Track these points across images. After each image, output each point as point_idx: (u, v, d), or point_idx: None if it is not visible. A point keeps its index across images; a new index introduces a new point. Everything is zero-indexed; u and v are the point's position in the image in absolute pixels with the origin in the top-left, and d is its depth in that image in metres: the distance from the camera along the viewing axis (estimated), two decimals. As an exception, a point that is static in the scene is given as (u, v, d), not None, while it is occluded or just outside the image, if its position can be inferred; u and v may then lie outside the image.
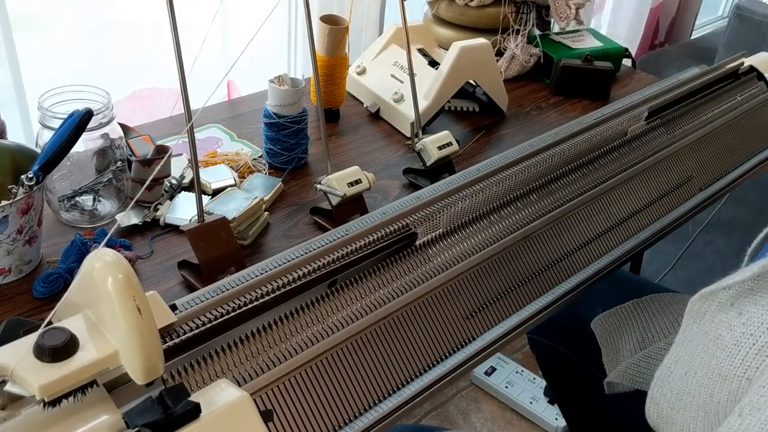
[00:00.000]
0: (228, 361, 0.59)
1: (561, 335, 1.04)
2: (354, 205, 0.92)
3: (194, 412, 0.46)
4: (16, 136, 1.12)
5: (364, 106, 1.23)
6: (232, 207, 0.86)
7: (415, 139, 1.00)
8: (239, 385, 0.57)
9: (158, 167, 0.86)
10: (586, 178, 0.92)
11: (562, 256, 0.84)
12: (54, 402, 0.44)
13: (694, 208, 1.00)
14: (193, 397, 0.47)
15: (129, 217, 0.88)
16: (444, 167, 1.02)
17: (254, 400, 0.50)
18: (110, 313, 0.45)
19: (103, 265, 0.45)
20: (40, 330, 0.45)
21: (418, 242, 0.74)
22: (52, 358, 0.44)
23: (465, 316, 0.75)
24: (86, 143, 0.86)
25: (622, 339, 0.87)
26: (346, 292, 0.68)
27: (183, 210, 0.90)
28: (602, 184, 0.92)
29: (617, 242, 0.90)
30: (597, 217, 0.90)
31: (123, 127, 0.94)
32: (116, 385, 0.49)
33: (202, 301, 0.62)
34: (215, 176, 0.97)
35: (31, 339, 0.45)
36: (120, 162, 0.89)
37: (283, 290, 0.64)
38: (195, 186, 0.76)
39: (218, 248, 0.79)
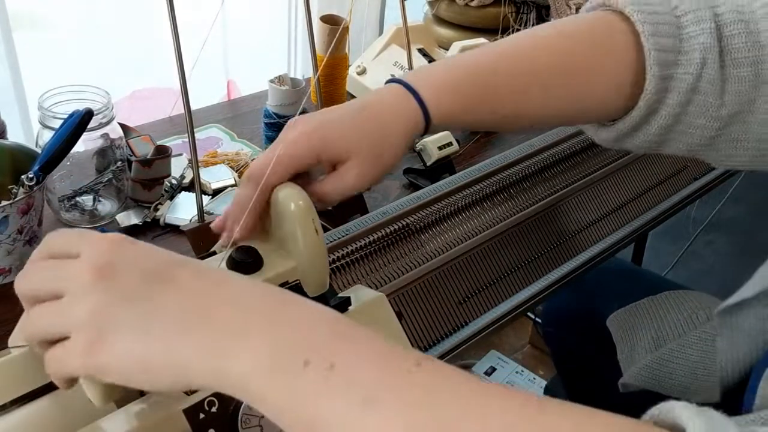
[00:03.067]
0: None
1: (577, 331, 1.04)
2: (354, 205, 0.92)
3: (345, 304, 0.52)
4: (16, 136, 1.11)
5: (364, 106, 1.23)
6: (232, 207, 0.86)
7: (416, 139, 1.00)
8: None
9: (158, 168, 0.85)
10: (580, 166, 0.92)
11: (555, 243, 0.85)
12: None
13: (689, 197, 1.01)
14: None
15: (129, 217, 0.88)
16: (444, 167, 1.02)
17: None
18: (291, 233, 0.51)
19: (288, 193, 0.51)
20: (230, 249, 0.51)
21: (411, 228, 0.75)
22: (243, 271, 0.51)
23: (457, 301, 0.75)
24: (86, 143, 0.86)
25: (636, 336, 0.87)
26: (340, 276, 0.68)
27: (183, 210, 0.90)
28: (596, 172, 0.92)
29: (611, 230, 0.91)
30: (590, 204, 0.91)
31: (123, 127, 0.94)
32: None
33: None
34: (215, 176, 0.97)
35: (225, 254, 0.51)
36: (120, 162, 0.89)
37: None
38: (195, 186, 0.76)
39: (218, 248, 0.79)
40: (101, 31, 1.49)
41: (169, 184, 0.94)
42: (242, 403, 0.46)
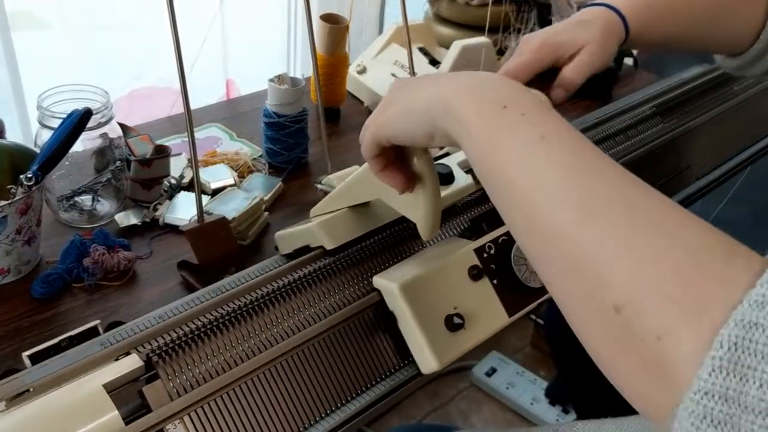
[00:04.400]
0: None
1: None
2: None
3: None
4: (14, 135, 1.11)
5: (365, 105, 1.23)
6: (231, 207, 0.86)
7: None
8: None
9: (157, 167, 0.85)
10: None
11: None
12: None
13: (690, 197, 1.00)
14: None
15: (128, 218, 0.87)
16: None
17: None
18: None
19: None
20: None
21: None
22: (442, 183, 0.64)
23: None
24: (85, 143, 0.85)
25: None
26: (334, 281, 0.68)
27: (182, 210, 0.89)
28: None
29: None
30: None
31: (122, 126, 0.94)
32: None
33: (202, 302, 0.61)
34: (215, 176, 0.97)
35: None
36: (119, 162, 0.89)
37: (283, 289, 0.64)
38: (195, 186, 0.75)
39: (218, 248, 0.78)
40: (100, 30, 1.48)
41: (168, 184, 0.93)
42: (513, 246, 0.66)
